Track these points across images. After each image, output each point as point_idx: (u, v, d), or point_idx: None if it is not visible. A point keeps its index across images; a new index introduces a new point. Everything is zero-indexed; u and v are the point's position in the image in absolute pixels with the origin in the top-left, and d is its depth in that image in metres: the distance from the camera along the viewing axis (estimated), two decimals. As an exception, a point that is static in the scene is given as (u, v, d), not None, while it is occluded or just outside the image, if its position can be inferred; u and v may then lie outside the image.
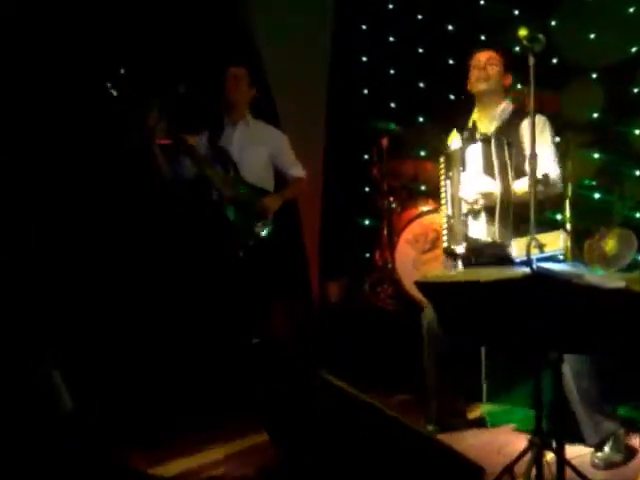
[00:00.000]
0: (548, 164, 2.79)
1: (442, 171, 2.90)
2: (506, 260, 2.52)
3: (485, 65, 3.00)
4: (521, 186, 2.72)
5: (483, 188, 2.74)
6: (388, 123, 4.60)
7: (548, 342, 1.91)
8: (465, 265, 2.84)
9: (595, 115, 4.38)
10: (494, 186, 2.73)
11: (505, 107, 3.01)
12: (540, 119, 2.88)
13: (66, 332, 3.36)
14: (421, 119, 4.94)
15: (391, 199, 4.54)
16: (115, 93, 3.24)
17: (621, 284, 1.59)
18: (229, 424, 3.17)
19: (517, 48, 4.26)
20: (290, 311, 3.97)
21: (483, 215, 2.75)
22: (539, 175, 2.51)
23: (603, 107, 4.35)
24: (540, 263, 1.78)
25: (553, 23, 4.43)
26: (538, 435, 2.17)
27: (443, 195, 2.88)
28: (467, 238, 2.76)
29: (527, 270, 1.72)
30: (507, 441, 2.82)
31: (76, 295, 3.58)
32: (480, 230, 2.76)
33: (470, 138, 2.86)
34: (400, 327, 4.02)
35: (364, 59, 5.11)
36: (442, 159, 2.92)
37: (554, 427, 2.14)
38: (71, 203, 3.61)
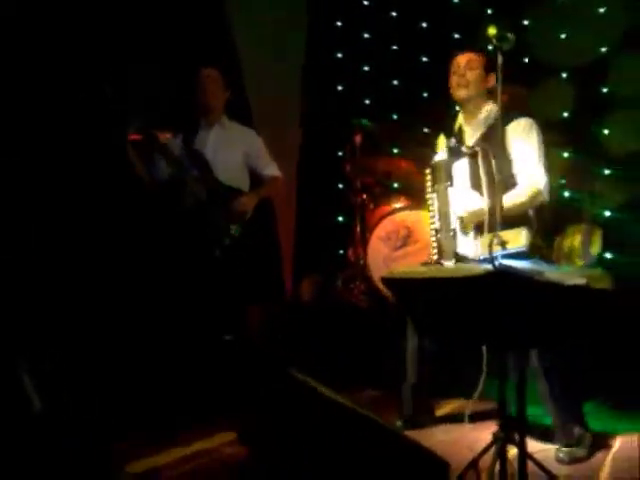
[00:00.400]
0: (534, 169, 2.76)
1: (428, 183, 2.87)
2: None
3: (464, 71, 2.93)
4: (509, 200, 2.68)
5: (471, 207, 2.70)
6: (362, 120, 4.60)
7: (512, 338, 1.93)
8: None
9: (565, 114, 4.43)
10: (482, 203, 2.67)
11: (490, 111, 2.93)
12: (527, 121, 2.84)
13: (47, 332, 3.34)
14: (395, 116, 4.97)
15: (364, 196, 4.54)
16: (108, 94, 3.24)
17: (581, 281, 1.61)
18: (200, 422, 3.16)
19: (490, 47, 4.35)
20: (263, 309, 3.98)
21: (472, 232, 2.70)
22: (525, 183, 2.50)
23: (573, 106, 4.40)
24: (504, 260, 1.79)
25: (526, 22, 4.48)
26: (502, 429, 2.19)
27: (431, 209, 2.85)
28: (456, 254, 2.71)
29: (489, 267, 1.73)
30: (478, 437, 2.85)
31: (56, 293, 3.57)
32: (469, 246, 2.70)
33: (456, 151, 2.82)
34: (372, 323, 4.05)
35: (339, 55, 5.12)
36: (428, 171, 2.88)
37: (517, 421, 2.16)
38: (53, 201, 3.59)
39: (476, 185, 2.72)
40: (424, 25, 4.85)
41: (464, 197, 2.73)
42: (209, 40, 4.27)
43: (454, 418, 3.19)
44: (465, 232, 2.70)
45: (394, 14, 4.95)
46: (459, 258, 2.70)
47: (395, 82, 4.97)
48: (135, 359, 3.55)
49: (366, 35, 5.04)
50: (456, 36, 4.79)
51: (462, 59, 2.97)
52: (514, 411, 2.12)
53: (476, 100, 2.95)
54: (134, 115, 3.32)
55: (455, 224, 2.75)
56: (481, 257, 2.02)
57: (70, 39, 3.62)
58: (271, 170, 3.67)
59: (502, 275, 1.70)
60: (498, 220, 2.19)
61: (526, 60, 4.32)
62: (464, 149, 2.80)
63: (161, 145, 3.45)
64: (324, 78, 5.04)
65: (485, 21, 4.55)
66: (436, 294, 1.81)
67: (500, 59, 2.48)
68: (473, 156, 2.75)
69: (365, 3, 5.03)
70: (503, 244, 1.81)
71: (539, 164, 2.81)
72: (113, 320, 3.66)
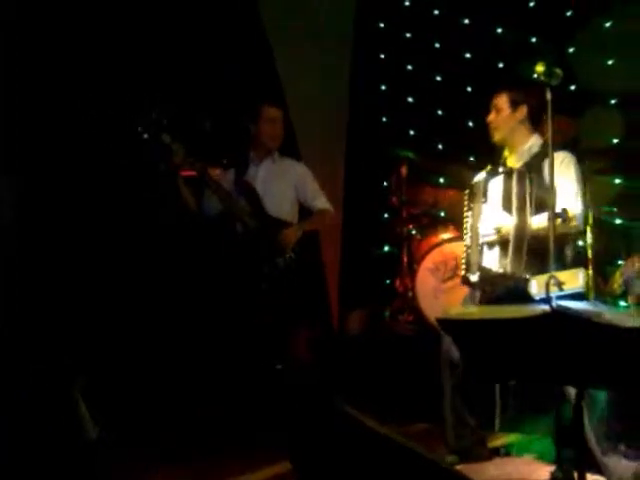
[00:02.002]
0: (569, 199, 2.78)
1: (466, 202, 2.94)
2: (519, 292, 2.54)
3: (493, 115, 2.99)
4: (539, 221, 2.72)
5: (497, 224, 2.77)
6: (407, 151, 4.63)
7: (568, 378, 1.91)
8: (482, 295, 2.86)
9: (615, 141, 4.37)
10: (509, 221, 2.75)
11: (533, 143, 2.96)
12: (566, 155, 2.87)
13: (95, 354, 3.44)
14: (440, 146, 4.97)
15: (410, 226, 4.55)
16: (146, 136, 3.36)
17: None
18: (254, 451, 3.18)
19: (535, 76, 4.33)
20: (311, 340, 4.00)
21: (497, 246, 2.78)
22: (558, 209, 2.52)
23: (623, 132, 4.34)
24: (560, 301, 1.79)
25: (571, 50, 4.46)
26: (560, 468, 2.16)
27: (465, 226, 2.91)
28: (480, 267, 2.79)
29: (546, 308, 1.73)
30: (530, 472, 2.80)
31: (110, 320, 3.70)
32: (493, 260, 2.78)
33: (495, 171, 2.88)
34: (420, 355, 4.02)
35: (383, 88, 5.17)
36: (467, 191, 2.96)
37: (576, 460, 2.12)
38: (102, 233, 3.78)
39: (507, 203, 2.78)
40: (467, 55, 4.86)
41: (493, 214, 2.79)
42: (254, 73, 4.38)
43: (497, 451, 3.14)
44: (490, 247, 2.77)
45: (437, 45, 4.98)
46: (482, 270, 2.76)
47: (439, 112, 4.99)
48: (184, 388, 3.61)
49: (409, 67, 5.08)
50: (500, 65, 4.79)
51: (492, 104, 3.02)
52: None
53: (513, 136, 2.99)
54: (183, 151, 3.42)
55: (483, 239, 2.81)
56: (537, 297, 2.02)
57: (125, 78, 3.79)
58: (319, 202, 3.73)
59: (560, 316, 1.69)
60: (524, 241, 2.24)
61: (573, 87, 4.28)
62: (501, 168, 2.86)
63: (213, 182, 3.54)
64: (369, 110, 5.09)
65: (529, 50, 4.57)
66: (493, 335, 1.81)
67: (549, 95, 2.50)
68: (509, 175, 2.80)
69: (408, 35, 5.08)
70: (560, 285, 1.81)
71: (577, 196, 2.84)
72: (164, 349, 3.74)
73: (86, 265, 3.82)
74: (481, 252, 2.81)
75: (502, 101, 2.98)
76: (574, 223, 2.80)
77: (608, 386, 1.99)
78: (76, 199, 3.82)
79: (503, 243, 2.76)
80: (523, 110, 2.95)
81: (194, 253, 3.94)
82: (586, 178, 3.66)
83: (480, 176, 2.95)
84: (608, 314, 1.71)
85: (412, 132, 5.04)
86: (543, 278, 1.90)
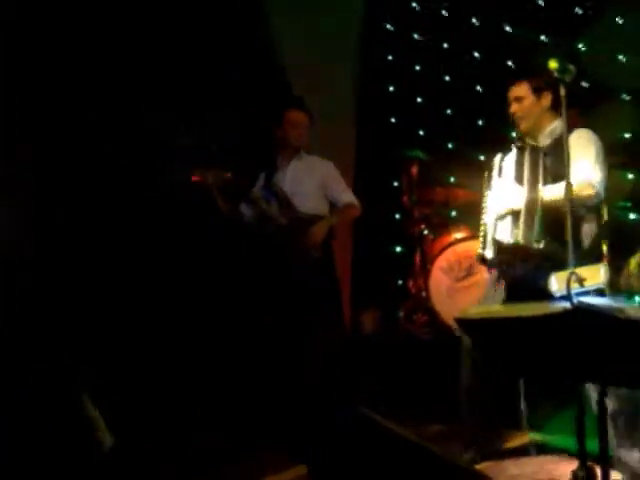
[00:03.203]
0: (586, 170, 2.71)
1: (485, 182, 2.95)
2: (538, 278, 2.53)
3: (516, 107, 2.94)
4: (552, 191, 2.67)
5: (509, 203, 2.76)
6: (417, 151, 4.62)
7: (591, 376, 1.89)
8: (502, 276, 2.84)
9: (627, 135, 4.35)
10: (521, 196, 2.72)
11: (556, 127, 2.89)
12: (587, 132, 2.84)
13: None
14: (450, 145, 4.96)
15: (422, 226, 4.53)
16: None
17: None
18: (270, 456, 3.17)
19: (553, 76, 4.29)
20: (325, 341, 3.99)
21: (509, 217, 2.75)
22: (577, 177, 2.48)
23: (635, 128, 4.32)
24: (581, 297, 1.76)
25: (581, 46, 4.44)
26: (582, 467, 2.13)
27: (484, 205, 2.92)
28: (494, 241, 2.77)
29: (567, 305, 1.71)
30: (551, 470, 2.77)
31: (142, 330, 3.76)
32: (505, 231, 2.76)
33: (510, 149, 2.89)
34: (436, 356, 4.00)
35: (391, 88, 5.16)
36: (486, 172, 2.97)
37: (600, 457, 2.09)
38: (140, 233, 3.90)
39: (519, 176, 2.76)
40: (476, 55, 4.84)
41: (504, 189, 2.78)
42: (262, 72, 4.41)
43: (523, 450, 3.12)
44: (502, 218, 2.76)
45: (445, 45, 4.97)
46: (495, 244, 2.74)
47: (449, 111, 4.98)
48: (199, 389, 3.61)
49: (418, 67, 5.07)
50: (509, 64, 4.77)
51: (511, 95, 2.98)
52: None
53: (541, 123, 2.94)
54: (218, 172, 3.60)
55: (496, 214, 2.80)
56: (558, 294, 2.00)
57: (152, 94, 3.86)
58: (346, 197, 3.80)
59: (582, 313, 1.67)
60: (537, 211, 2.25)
61: (584, 84, 4.26)
62: (515, 143, 2.84)
63: (244, 191, 3.72)
64: (378, 111, 5.08)
65: (539, 48, 4.55)
66: (514, 333, 1.79)
67: (563, 91, 2.47)
68: (521, 150, 2.79)
69: (416, 36, 5.07)
70: (581, 281, 1.78)
71: (595, 165, 2.76)
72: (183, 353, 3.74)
73: (87, 265, 3.87)
74: (495, 227, 2.80)
75: (524, 90, 2.92)
76: (590, 191, 2.70)
77: (632, 384, 1.97)
78: (79, 199, 3.89)
79: (515, 214, 2.72)
80: (548, 97, 2.89)
81: (227, 255, 4.06)
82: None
83: (497, 156, 2.95)
84: (631, 309, 1.68)
85: (422, 132, 5.03)
86: (564, 274, 1.88)
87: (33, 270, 3.69)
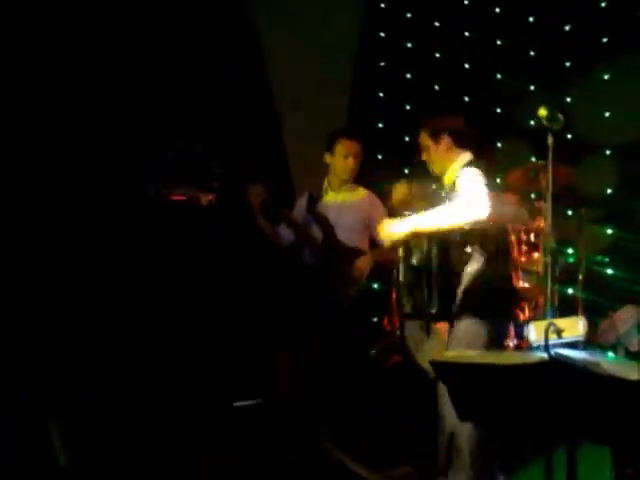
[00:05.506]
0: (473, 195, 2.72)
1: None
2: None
3: (424, 156, 3.00)
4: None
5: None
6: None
7: (563, 429, 1.85)
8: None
9: (609, 191, 4.40)
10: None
11: (463, 159, 2.93)
12: (474, 171, 2.80)
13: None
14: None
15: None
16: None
17: (641, 376, 1.55)
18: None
19: (532, 122, 4.36)
20: (300, 369, 3.96)
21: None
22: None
23: (617, 183, 4.37)
24: (558, 349, 1.75)
25: (568, 99, 4.51)
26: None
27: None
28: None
29: (544, 355, 1.68)
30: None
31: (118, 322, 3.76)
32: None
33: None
34: (408, 398, 3.94)
35: (380, 125, 5.19)
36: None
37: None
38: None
39: None
40: (466, 99, 4.90)
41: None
42: (250, 99, 4.43)
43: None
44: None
45: (436, 88, 5.02)
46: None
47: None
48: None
49: (408, 107, 5.11)
50: (497, 110, 4.83)
51: (420, 143, 3.03)
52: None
53: (445, 165, 2.95)
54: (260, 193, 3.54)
55: None
56: (535, 343, 1.98)
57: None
58: None
59: (559, 365, 1.65)
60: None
61: (569, 136, 4.32)
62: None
63: (286, 214, 3.65)
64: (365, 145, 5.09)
65: (527, 97, 4.62)
66: (489, 380, 1.76)
67: (550, 139, 2.50)
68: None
69: (408, 76, 5.12)
70: (559, 332, 1.77)
71: (477, 185, 2.74)
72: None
73: (88, 266, 3.85)
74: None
75: (423, 138, 2.97)
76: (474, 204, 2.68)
77: (601, 440, 1.94)
78: (79, 199, 3.88)
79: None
80: (445, 139, 2.93)
81: (268, 277, 4.04)
82: (581, 226, 3.68)
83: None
84: (606, 364, 1.66)
85: (406, 171, 5.04)
86: (542, 324, 1.86)
87: (33, 270, 3.67)
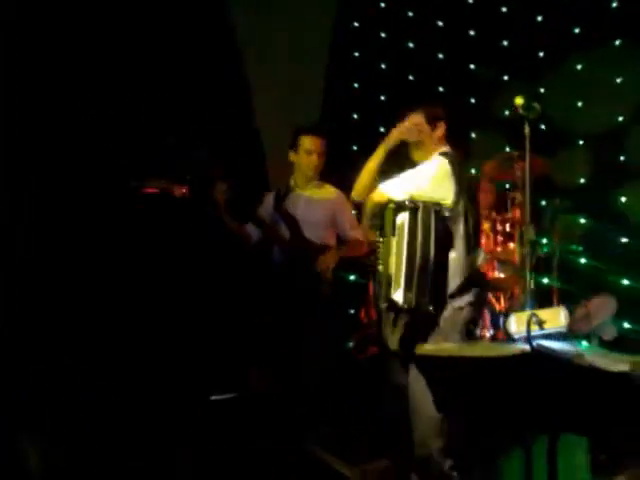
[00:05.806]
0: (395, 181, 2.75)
1: (378, 232, 2.96)
2: None
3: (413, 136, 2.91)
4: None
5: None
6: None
7: (545, 421, 1.85)
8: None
9: (582, 181, 4.43)
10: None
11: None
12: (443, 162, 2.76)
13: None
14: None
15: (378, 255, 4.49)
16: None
17: (624, 367, 1.54)
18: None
19: (506, 112, 4.36)
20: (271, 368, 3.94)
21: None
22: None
23: (591, 173, 4.40)
24: (540, 340, 1.74)
25: (542, 90, 4.52)
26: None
27: (378, 254, 2.96)
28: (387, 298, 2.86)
29: (526, 347, 1.67)
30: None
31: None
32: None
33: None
34: (385, 389, 3.93)
35: (355, 117, 5.16)
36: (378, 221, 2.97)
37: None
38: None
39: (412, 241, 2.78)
40: (441, 89, 4.88)
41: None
42: (228, 99, 4.39)
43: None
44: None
45: (411, 78, 5.00)
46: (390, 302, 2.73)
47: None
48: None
49: (382, 97, 5.08)
50: (472, 101, 4.83)
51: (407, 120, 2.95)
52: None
53: (428, 154, 2.87)
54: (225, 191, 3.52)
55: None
56: (516, 336, 1.97)
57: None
58: (355, 233, 3.70)
59: (541, 356, 1.63)
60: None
61: (543, 127, 4.33)
62: (407, 202, 2.79)
63: (254, 215, 3.64)
64: (338, 139, 5.07)
65: (501, 87, 4.62)
66: (470, 373, 1.74)
67: (527, 128, 2.49)
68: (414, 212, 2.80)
69: (383, 66, 5.09)
70: (541, 323, 1.75)
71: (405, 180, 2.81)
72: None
73: (87, 266, 3.84)
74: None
75: (419, 121, 2.82)
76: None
77: (582, 431, 1.94)
78: (79, 199, 3.85)
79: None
80: (442, 127, 2.84)
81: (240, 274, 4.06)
82: (556, 215, 3.70)
83: (389, 208, 2.79)
84: (590, 356, 1.65)
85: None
86: (524, 315, 1.85)
87: (32, 270, 3.65)
